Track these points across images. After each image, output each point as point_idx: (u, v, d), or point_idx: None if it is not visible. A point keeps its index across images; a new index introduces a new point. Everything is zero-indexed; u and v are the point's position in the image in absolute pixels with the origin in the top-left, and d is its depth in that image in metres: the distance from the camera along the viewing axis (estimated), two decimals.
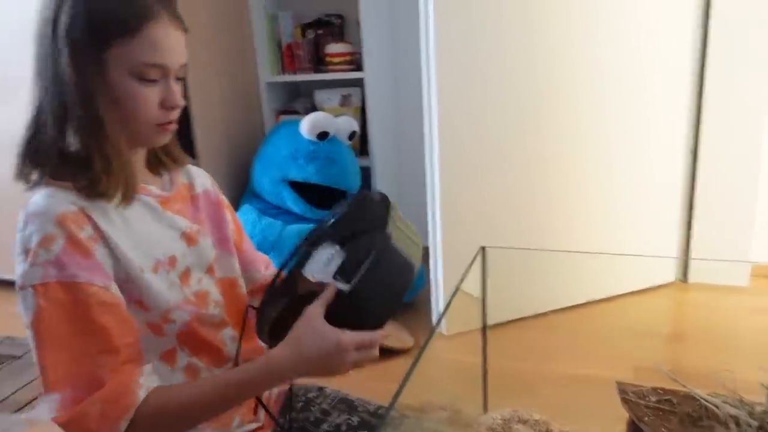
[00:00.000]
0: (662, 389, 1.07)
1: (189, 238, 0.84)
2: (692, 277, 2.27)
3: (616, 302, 2.08)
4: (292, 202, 2.04)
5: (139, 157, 0.81)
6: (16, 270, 0.70)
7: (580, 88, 1.91)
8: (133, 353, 0.73)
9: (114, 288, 0.73)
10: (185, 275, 0.83)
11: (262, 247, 1.90)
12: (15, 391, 1.69)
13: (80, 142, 0.72)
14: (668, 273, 2.26)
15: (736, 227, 2.15)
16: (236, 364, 0.87)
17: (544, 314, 1.97)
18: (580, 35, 1.86)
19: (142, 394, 0.70)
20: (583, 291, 2.06)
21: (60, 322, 0.68)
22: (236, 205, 2.16)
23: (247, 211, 2.07)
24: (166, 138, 0.80)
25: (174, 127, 0.80)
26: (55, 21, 0.70)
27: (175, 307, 0.79)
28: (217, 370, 0.85)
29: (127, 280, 0.75)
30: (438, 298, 1.93)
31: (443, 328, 1.85)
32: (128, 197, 0.75)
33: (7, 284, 2.44)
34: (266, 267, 1.05)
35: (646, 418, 0.98)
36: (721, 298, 2.10)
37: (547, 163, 1.94)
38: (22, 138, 0.75)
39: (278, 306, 0.83)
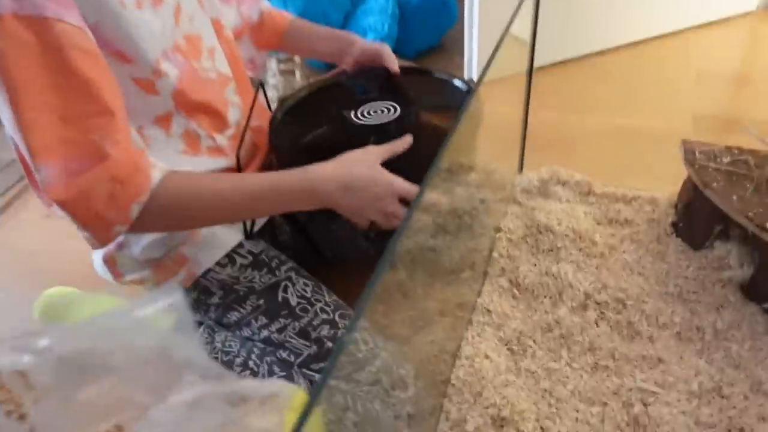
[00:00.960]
0: (738, 148, 0.90)
1: None
2: None
3: (680, 37, 1.78)
4: None
5: None
6: None
7: None
8: (125, 115, 0.59)
9: (90, 33, 0.56)
10: (177, 11, 0.65)
11: None
12: None
13: None
14: (750, 1, 1.88)
15: None
16: (240, 143, 0.74)
17: (596, 54, 1.71)
18: None
19: (157, 176, 0.59)
20: (642, 26, 1.74)
21: (31, 69, 0.52)
22: None
23: None
24: None
25: None
26: None
27: (164, 57, 0.62)
28: (220, 136, 0.71)
29: (101, 21, 0.57)
30: (473, 39, 1.66)
31: (474, 73, 1.63)
32: None
33: None
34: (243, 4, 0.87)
35: (715, 184, 0.84)
36: None
37: None
38: None
39: (312, 130, 0.79)
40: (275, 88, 1.52)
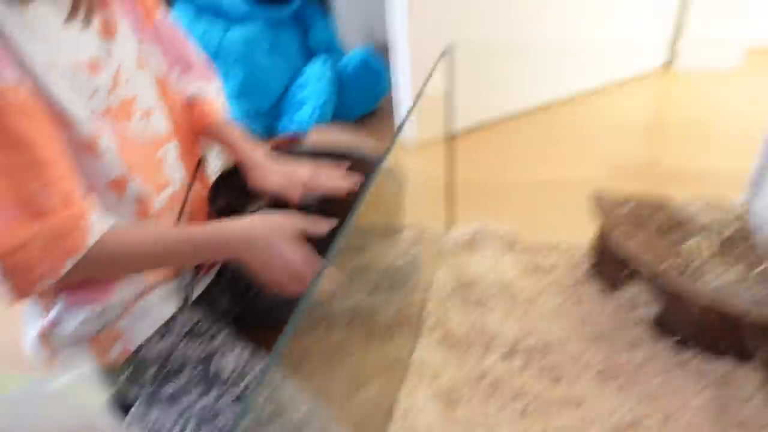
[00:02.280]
0: (638, 196, 1.00)
1: (104, 31, 0.69)
2: (681, 62, 2.10)
3: (596, 96, 1.94)
4: None
5: None
6: None
7: None
8: (67, 170, 0.62)
9: (25, 90, 0.58)
10: (117, 76, 0.69)
11: None
12: None
13: None
14: (655, 58, 2.08)
15: (731, 5, 1.92)
16: (181, 210, 0.78)
17: (517, 116, 1.84)
18: None
19: (93, 238, 0.61)
20: (559, 86, 1.90)
21: None
22: (167, 4, 1.84)
23: (181, 11, 1.77)
24: None
25: None
26: None
27: (97, 121, 0.66)
28: (160, 195, 0.75)
29: (35, 90, 0.60)
30: (402, 105, 1.77)
31: (409, 138, 1.73)
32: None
33: None
34: (187, 68, 0.88)
35: (619, 229, 0.92)
36: (711, 85, 1.96)
37: None
38: None
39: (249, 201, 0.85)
40: (218, 157, 1.56)
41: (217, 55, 1.70)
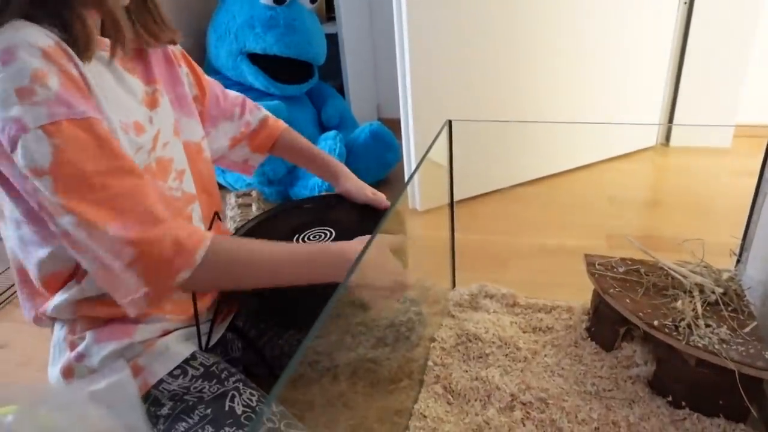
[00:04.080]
0: (631, 260, 1.06)
1: (149, 102, 0.79)
2: (675, 141, 2.22)
3: (592, 170, 2.04)
4: (252, 77, 1.89)
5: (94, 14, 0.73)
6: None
7: None
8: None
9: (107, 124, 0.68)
10: (156, 139, 0.78)
11: None
12: None
13: None
14: (650, 138, 2.20)
15: (723, 87, 2.06)
16: None
17: (517, 186, 1.93)
18: None
19: (208, 238, 0.69)
20: (558, 161, 2.01)
21: (87, 161, 0.63)
22: None
23: None
24: None
25: None
26: None
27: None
28: None
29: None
30: (410, 174, 1.87)
31: (416, 203, 1.82)
32: (90, 50, 0.68)
33: None
34: (243, 109, 1.02)
35: (612, 290, 0.97)
36: (703, 161, 2.06)
37: (522, 28, 1.78)
38: None
39: None
40: (233, 219, 1.64)
41: None
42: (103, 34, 0.75)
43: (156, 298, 0.68)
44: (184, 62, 0.91)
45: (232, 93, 1.03)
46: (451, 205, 1.21)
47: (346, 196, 1.03)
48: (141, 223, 0.65)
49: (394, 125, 1.97)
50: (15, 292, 0.67)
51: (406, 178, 1.86)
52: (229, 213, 1.68)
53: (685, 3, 1.97)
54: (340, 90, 2.23)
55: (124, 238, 0.63)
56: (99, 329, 0.75)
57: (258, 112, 1.04)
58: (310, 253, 0.77)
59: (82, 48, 0.67)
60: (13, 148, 0.62)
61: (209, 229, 0.89)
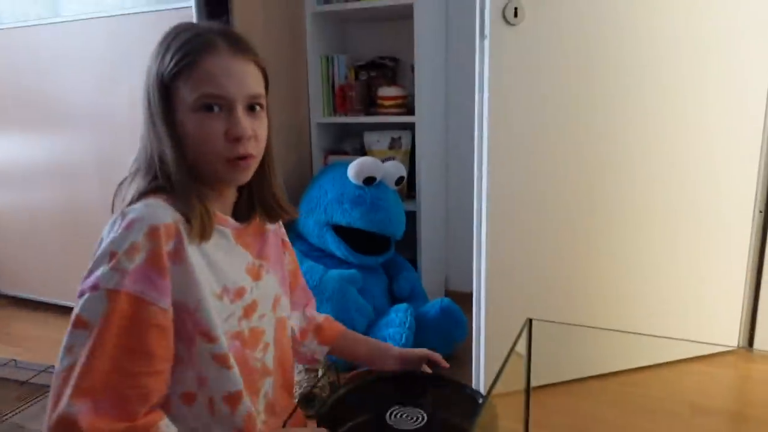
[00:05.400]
0: None
1: (253, 273, 0.86)
2: (759, 344, 2.10)
3: (671, 369, 1.94)
4: (334, 246, 2.03)
5: (228, 195, 0.85)
6: (92, 269, 0.71)
7: (643, 161, 1.83)
8: (163, 385, 0.73)
9: (170, 313, 0.73)
10: (251, 308, 0.84)
11: None
12: None
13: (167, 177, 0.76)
14: (731, 338, 2.10)
15: None
16: None
17: (591, 379, 1.86)
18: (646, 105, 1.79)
19: None
20: (632, 359, 1.94)
21: (119, 332, 0.68)
22: None
23: (295, 247, 2.07)
24: (242, 174, 0.80)
25: (249, 163, 0.80)
26: (149, 70, 0.77)
27: (228, 340, 0.79)
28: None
29: (196, 308, 0.75)
30: (480, 353, 1.85)
31: (480, 385, 1.77)
32: (206, 237, 0.77)
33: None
34: (308, 304, 1.10)
35: None
36: None
37: (604, 229, 1.85)
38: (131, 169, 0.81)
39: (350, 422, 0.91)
40: (299, 385, 1.65)
41: (315, 289, 1.92)
42: (234, 213, 0.87)
43: None
44: (287, 250, 1.02)
45: (306, 287, 1.11)
46: (527, 395, 1.18)
47: (401, 360, 1.04)
48: (112, 410, 0.67)
49: (462, 299, 2.00)
50: None
51: (474, 357, 1.84)
52: (296, 377, 1.70)
53: (761, 212, 2.01)
54: (413, 262, 2.33)
55: (81, 419, 0.65)
56: None
57: (317, 312, 1.12)
58: None
59: (196, 233, 0.75)
60: (81, 296, 0.70)
61: (288, 418, 0.90)
